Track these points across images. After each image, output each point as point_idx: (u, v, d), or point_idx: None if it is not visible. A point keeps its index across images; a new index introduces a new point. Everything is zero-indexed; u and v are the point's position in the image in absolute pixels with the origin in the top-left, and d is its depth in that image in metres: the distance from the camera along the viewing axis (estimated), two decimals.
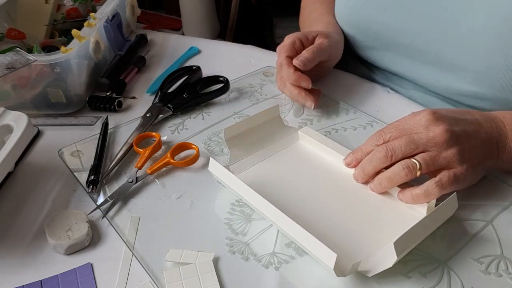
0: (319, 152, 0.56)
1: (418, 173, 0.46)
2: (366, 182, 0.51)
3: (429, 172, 0.47)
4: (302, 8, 0.84)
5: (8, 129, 0.51)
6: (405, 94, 0.69)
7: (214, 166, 0.51)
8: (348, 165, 0.52)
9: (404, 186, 0.48)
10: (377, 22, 0.66)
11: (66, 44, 0.66)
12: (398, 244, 0.39)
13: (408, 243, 0.41)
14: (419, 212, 0.47)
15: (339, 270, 0.40)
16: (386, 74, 0.73)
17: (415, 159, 0.46)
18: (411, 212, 0.47)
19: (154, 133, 0.60)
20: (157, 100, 0.67)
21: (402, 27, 0.63)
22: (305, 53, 0.62)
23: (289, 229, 0.44)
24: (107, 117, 0.64)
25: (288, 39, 0.65)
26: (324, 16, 0.75)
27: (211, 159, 0.52)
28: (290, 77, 0.62)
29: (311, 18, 0.78)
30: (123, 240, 0.47)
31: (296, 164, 0.55)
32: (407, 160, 0.47)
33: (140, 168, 0.55)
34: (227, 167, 0.52)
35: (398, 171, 0.47)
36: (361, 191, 0.51)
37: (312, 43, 0.65)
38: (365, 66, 0.77)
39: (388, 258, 0.40)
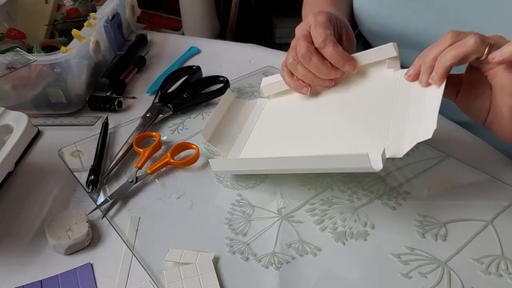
0: (289, 97, 0.58)
1: (486, 49, 0.42)
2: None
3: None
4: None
5: (8, 129, 0.51)
6: None
7: (215, 163, 0.52)
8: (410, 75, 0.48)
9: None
10: (404, 25, 0.63)
11: (66, 44, 0.67)
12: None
13: None
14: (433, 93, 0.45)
15: (374, 164, 0.41)
16: None
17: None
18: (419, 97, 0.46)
19: (154, 133, 0.60)
20: (157, 100, 0.67)
21: (433, 33, 0.59)
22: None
23: (316, 165, 0.45)
24: (107, 117, 0.64)
25: (323, 16, 0.53)
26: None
27: (210, 160, 0.52)
28: (334, 57, 0.51)
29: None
30: (123, 240, 0.47)
31: (276, 121, 0.57)
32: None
33: (140, 168, 0.55)
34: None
35: (466, 40, 0.42)
36: (357, 95, 0.52)
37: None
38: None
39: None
